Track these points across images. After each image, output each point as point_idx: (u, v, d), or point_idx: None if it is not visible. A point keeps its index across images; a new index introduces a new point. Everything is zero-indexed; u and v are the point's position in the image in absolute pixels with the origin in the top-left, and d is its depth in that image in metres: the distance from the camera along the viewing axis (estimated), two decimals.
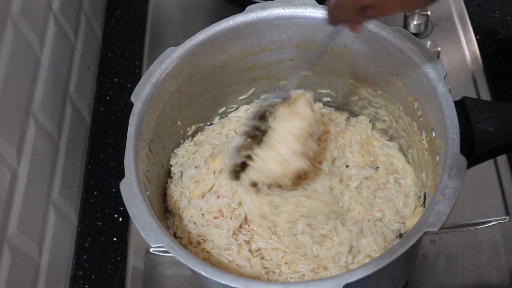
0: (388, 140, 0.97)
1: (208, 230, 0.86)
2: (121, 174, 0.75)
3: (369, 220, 0.87)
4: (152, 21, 1.31)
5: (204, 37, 0.86)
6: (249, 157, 0.84)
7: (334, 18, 0.72)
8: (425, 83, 0.79)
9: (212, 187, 0.91)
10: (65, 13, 1.16)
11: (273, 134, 0.83)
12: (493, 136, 0.77)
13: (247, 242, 0.86)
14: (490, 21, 1.24)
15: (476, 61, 1.16)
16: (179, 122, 0.93)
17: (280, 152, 0.82)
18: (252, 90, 0.99)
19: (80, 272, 1.06)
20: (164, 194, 0.91)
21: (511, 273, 0.96)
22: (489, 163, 1.04)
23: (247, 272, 0.82)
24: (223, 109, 0.99)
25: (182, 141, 0.96)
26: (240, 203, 0.87)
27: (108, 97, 1.25)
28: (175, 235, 0.88)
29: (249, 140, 0.84)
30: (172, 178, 0.94)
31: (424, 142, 0.86)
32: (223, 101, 0.98)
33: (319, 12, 0.85)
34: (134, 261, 1.03)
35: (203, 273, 0.66)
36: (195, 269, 0.67)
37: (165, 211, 0.90)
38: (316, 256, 0.84)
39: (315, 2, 0.86)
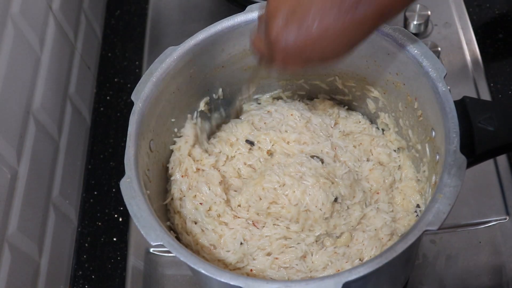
0: None
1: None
2: (121, 174, 0.75)
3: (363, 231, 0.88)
4: (152, 21, 1.31)
5: (205, 36, 0.86)
6: None
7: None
8: (425, 83, 0.79)
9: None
10: (65, 13, 1.16)
11: None
12: (493, 135, 0.77)
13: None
14: (490, 21, 1.24)
15: (476, 61, 1.16)
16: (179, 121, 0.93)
17: None
18: (252, 89, 0.99)
19: (80, 272, 1.06)
20: (164, 193, 0.91)
21: (511, 273, 0.96)
22: (489, 163, 1.04)
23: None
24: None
25: None
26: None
27: (108, 97, 1.25)
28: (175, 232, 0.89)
29: None
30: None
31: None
32: (223, 100, 0.98)
33: None
34: (134, 261, 1.03)
35: (203, 271, 0.66)
36: (195, 267, 0.67)
37: (166, 210, 0.90)
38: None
39: None
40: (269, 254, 0.85)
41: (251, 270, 0.85)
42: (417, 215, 0.89)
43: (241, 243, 0.86)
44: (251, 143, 0.93)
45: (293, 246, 0.86)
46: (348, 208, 0.87)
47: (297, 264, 0.85)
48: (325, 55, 0.69)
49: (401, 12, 0.68)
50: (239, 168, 0.92)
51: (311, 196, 0.84)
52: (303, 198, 0.84)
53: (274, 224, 0.86)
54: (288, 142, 0.92)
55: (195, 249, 0.86)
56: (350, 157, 0.92)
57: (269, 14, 0.70)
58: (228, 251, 0.85)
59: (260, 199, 0.86)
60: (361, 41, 0.69)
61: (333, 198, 0.85)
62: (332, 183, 0.86)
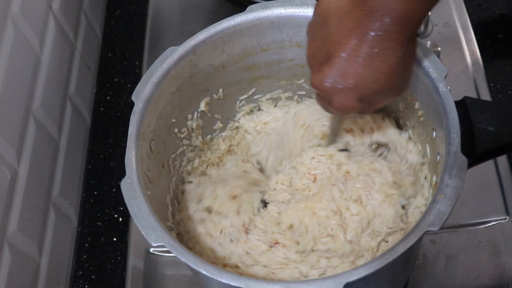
0: None
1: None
2: (121, 174, 0.75)
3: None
4: (152, 21, 1.31)
5: (205, 36, 0.86)
6: None
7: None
8: (426, 83, 0.79)
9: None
10: (65, 13, 1.16)
11: None
12: (493, 136, 0.77)
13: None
14: (490, 21, 1.24)
15: (476, 61, 1.16)
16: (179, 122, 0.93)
17: None
18: (253, 90, 0.99)
19: (80, 272, 1.06)
20: (164, 194, 0.91)
21: (511, 273, 0.96)
22: (489, 163, 1.04)
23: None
24: None
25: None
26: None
27: (108, 97, 1.25)
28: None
29: None
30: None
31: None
32: (223, 101, 0.98)
33: None
34: (134, 261, 1.03)
35: (203, 272, 0.66)
36: (196, 268, 0.67)
37: (166, 211, 0.90)
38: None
39: (316, 2, 0.86)
40: (265, 266, 0.83)
41: (241, 274, 0.83)
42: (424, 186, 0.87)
43: (231, 240, 0.84)
44: (345, 150, 0.88)
45: (290, 265, 0.82)
46: (410, 210, 0.83)
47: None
48: (373, 88, 0.66)
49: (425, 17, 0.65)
50: (292, 178, 0.88)
51: (382, 218, 0.80)
52: (373, 224, 0.80)
53: (297, 252, 0.82)
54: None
55: (192, 235, 0.87)
56: (385, 124, 0.90)
57: (309, 65, 0.70)
58: (220, 244, 0.85)
59: (307, 231, 0.81)
60: (400, 61, 0.65)
61: (402, 211, 0.81)
62: (400, 186, 0.82)
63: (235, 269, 0.83)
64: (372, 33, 0.61)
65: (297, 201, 0.85)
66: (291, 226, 0.83)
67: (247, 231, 0.85)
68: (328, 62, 0.66)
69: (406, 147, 0.89)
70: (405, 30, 0.62)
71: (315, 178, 0.86)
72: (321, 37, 0.67)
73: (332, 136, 0.90)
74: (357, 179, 0.83)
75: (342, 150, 0.89)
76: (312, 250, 0.81)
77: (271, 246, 0.83)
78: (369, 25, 0.61)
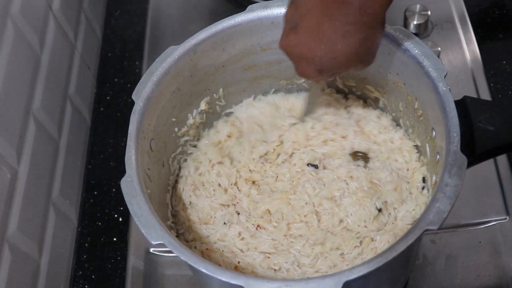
0: None
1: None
2: (121, 174, 0.75)
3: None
4: (152, 21, 1.31)
5: (205, 36, 0.86)
6: None
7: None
8: (426, 82, 0.79)
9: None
10: (65, 13, 1.16)
11: None
12: (493, 135, 0.77)
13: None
14: (490, 21, 1.24)
15: (476, 61, 1.16)
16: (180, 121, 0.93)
17: None
18: (253, 89, 0.99)
19: (80, 272, 1.06)
20: (164, 193, 0.91)
21: (511, 273, 0.96)
22: (489, 163, 1.04)
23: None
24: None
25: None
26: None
27: (108, 97, 1.25)
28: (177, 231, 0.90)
29: None
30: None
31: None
32: (223, 100, 0.98)
33: None
34: (134, 261, 1.03)
35: (203, 270, 0.66)
36: (196, 266, 0.67)
37: (166, 209, 0.90)
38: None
39: None
40: (257, 249, 0.85)
41: (239, 262, 0.84)
42: (425, 189, 0.88)
43: (224, 223, 0.87)
44: (314, 166, 0.91)
45: (285, 250, 0.84)
46: (395, 214, 0.85)
47: (288, 270, 0.83)
48: (332, 64, 0.71)
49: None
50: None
51: (353, 217, 0.83)
52: (346, 222, 0.83)
53: (284, 235, 0.85)
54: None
55: (187, 225, 0.88)
56: (374, 125, 0.93)
57: (283, 26, 0.73)
58: (214, 229, 0.87)
59: (283, 217, 0.85)
60: (360, 45, 0.69)
61: (376, 212, 0.84)
62: (376, 192, 0.85)
63: (232, 257, 0.85)
64: (337, 17, 0.67)
65: (273, 192, 0.88)
66: (267, 212, 0.87)
67: (237, 212, 0.89)
68: (295, 31, 0.71)
69: (400, 146, 0.91)
70: (365, 18, 0.67)
71: (277, 177, 0.90)
72: (296, 5, 0.71)
73: (308, 107, 0.94)
74: (331, 183, 0.87)
75: (310, 165, 0.91)
76: (286, 235, 0.85)
77: (256, 230, 0.87)
78: (336, 10, 0.66)
